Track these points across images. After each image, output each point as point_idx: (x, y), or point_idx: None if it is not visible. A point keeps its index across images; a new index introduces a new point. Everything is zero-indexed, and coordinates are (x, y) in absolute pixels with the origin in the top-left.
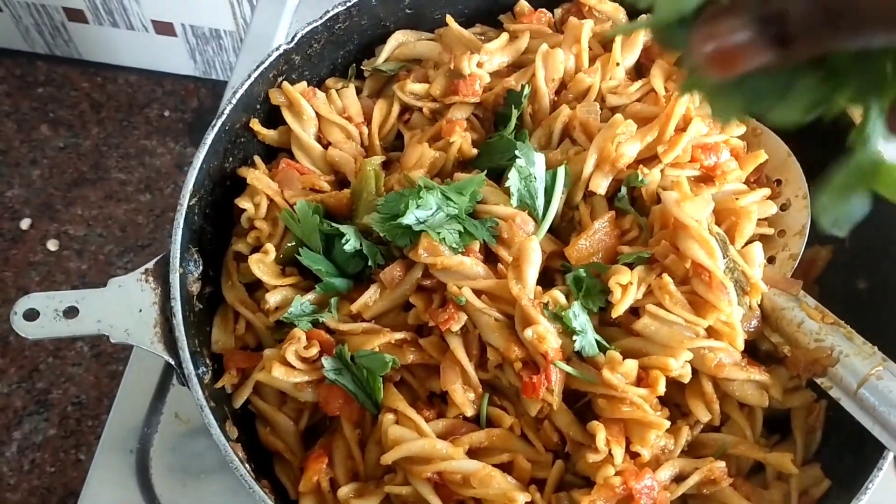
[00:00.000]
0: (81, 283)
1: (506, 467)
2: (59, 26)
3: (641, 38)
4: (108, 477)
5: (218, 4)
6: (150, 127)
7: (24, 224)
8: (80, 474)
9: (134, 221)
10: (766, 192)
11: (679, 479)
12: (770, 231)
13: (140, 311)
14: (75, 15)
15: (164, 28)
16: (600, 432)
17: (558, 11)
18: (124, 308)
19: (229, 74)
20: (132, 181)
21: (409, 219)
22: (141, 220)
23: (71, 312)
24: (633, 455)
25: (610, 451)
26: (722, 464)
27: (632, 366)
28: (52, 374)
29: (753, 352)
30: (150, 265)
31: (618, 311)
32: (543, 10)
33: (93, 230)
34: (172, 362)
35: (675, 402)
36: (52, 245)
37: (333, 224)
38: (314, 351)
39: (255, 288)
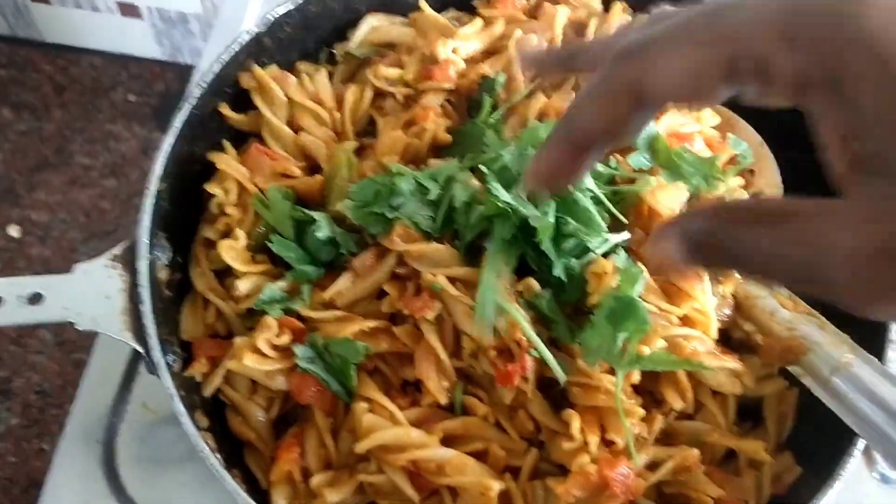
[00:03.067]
0: (44, 270)
1: (480, 456)
2: (20, 7)
3: (616, 25)
4: (72, 468)
5: None
6: (115, 111)
7: None
8: (43, 464)
9: (98, 207)
10: (740, 181)
11: (653, 466)
12: None
13: (107, 297)
14: None
15: (129, 10)
16: (575, 421)
17: None
18: (91, 294)
19: (197, 59)
20: (97, 166)
21: (381, 206)
22: (106, 205)
23: (35, 299)
24: (608, 443)
25: (585, 439)
26: (696, 451)
27: None
28: (14, 362)
29: (726, 340)
30: (117, 250)
31: (593, 299)
32: None
33: (56, 216)
34: (141, 350)
35: (649, 389)
36: (13, 231)
37: (305, 211)
38: (286, 339)
39: (226, 275)
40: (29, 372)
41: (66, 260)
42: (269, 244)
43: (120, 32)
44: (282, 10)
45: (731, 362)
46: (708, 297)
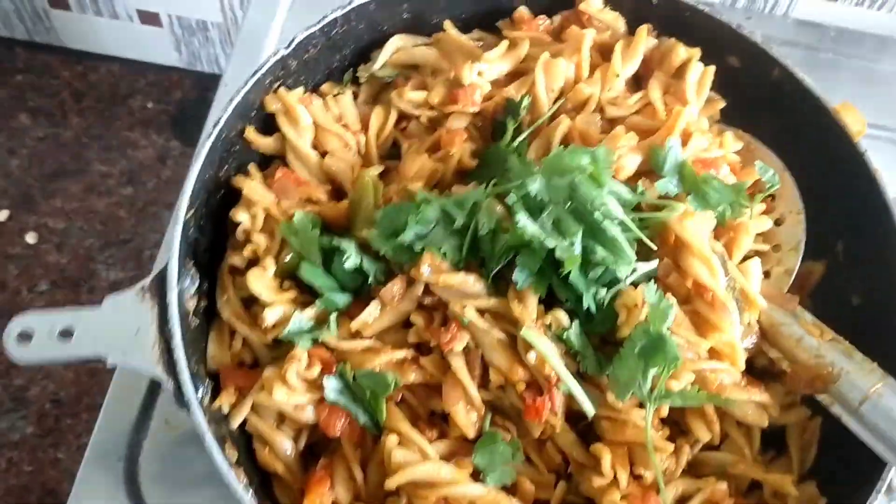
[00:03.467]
0: (60, 277)
1: (509, 489)
2: (40, 12)
3: (641, 48)
4: (95, 486)
5: None
6: (132, 118)
7: (2, 216)
8: (58, 473)
9: (115, 215)
10: (762, 207)
11: (682, 500)
12: (765, 247)
13: (137, 330)
14: (58, 2)
15: (149, 18)
16: (606, 455)
17: (557, 18)
18: (121, 328)
19: (215, 67)
20: (114, 174)
21: (408, 236)
22: (123, 213)
23: (66, 334)
24: (637, 476)
25: (615, 474)
26: (724, 484)
27: None
28: (30, 370)
29: (749, 367)
30: (146, 282)
31: (623, 332)
32: (543, 16)
33: (73, 223)
34: (172, 386)
35: (674, 419)
36: (30, 238)
37: (334, 239)
38: (316, 371)
39: (252, 302)
40: (44, 381)
41: (83, 268)
42: (298, 273)
43: (139, 40)
44: (308, 32)
45: (759, 394)
46: (735, 329)
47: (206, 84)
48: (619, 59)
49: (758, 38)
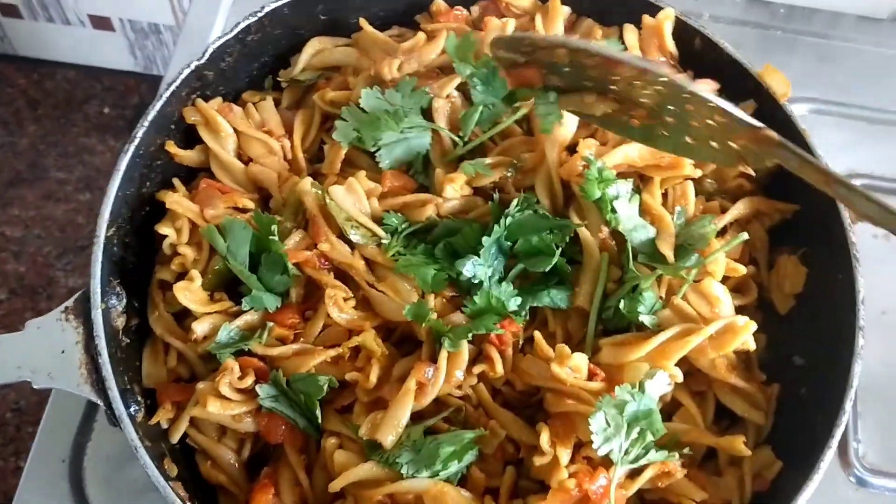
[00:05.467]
0: (19, 285)
1: (459, 480)
2: None
3: (559, 16)
4: (39, 488)
5: None
6: (89, 124)
7: None
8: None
9: (73, 222)
10: None
11: (633, 474)
12: None
13: (63, 351)
14: (9, 10)
15: (101, 23)
16: (544, 433)
17: (475, 8)
18: (45, 350)
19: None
20: (71, 180)
21: None
22: (81, 220)
23: None
24: (586, 458)
25: (556, 453)
26: (676, 457)
27: (581, 360)
28: None
29: None
30: (69, 302)
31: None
32: (460, 7)
33: (31, 231)
34: (102, 404)
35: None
36: None
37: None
38: (249, 381)
39: (185, 316)
40: (5, 389)
41: (42, 276)
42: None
43: (93, 45)
44: (221, 41)
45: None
46: None
47: None
48: (542, 28)
49: (705, 18)
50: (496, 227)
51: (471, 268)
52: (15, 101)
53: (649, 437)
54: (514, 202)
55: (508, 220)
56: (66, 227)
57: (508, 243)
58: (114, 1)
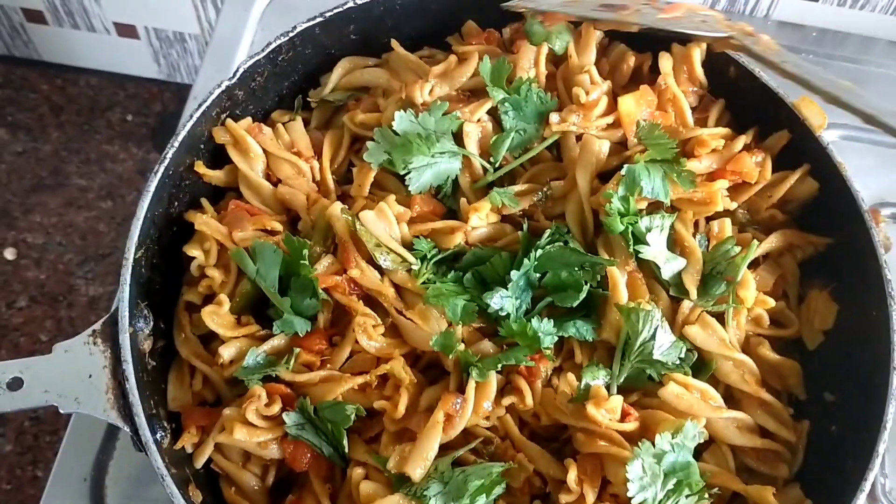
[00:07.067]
0: (40, 293)
1: None
2: (17, 27)
3: (592, 40)
4: None
5: (182, 7)
6: (111, 131)
7: None
8: (37, 492)
9: (95, 229)
10: None
11: None
12: None
13: (90, 376)
14: (34, 16)
15: (126, 31)
16: (571, 470)
17: (507, 31)
18: (73, 375)
19: (194, 78)
20: (93, 188)
21: None
22: (102, 227)
23: (15, 384)
24: (613, 495)
25: (582, 491)
26: (706, 497)
27: (616, 402)
28: None
29: None
30: (97, 326)
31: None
32: (491, 29)
33: (52, 238)
34: (128, 430)
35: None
36: (9, 254)
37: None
38: (276, 408)
39: (211, 338)
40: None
41: (62, 283)
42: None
43: (117, 52)
44: (252, 60)
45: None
46: None
47: (186, 95)
48: (574, 53)
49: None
50: (525, 260)
51: (498, 301)
52: (38, 107)
53: (686, 491)
54: (546, 234)
55: (538, 252)
56: (87, 235)
57: (537, 275)
58: (140, 9)
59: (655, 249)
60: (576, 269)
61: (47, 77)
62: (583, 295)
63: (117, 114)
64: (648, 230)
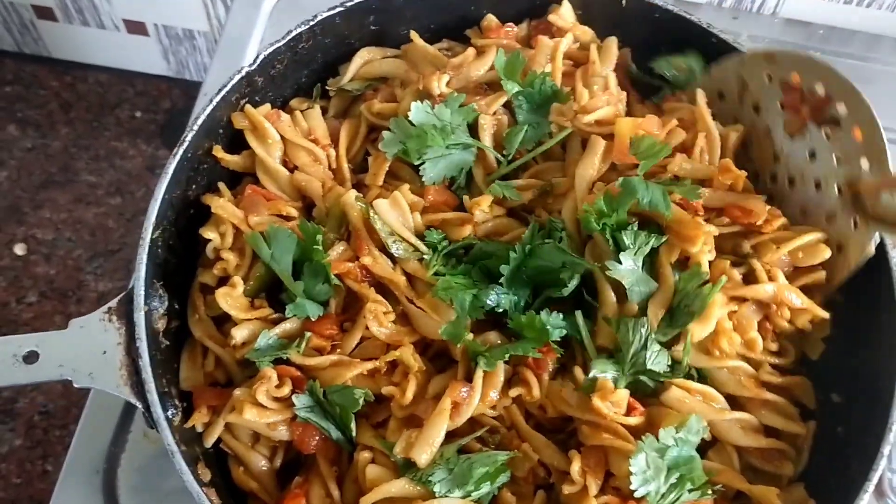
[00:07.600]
0: (49, 288)
1: (490, 501)
2: (27, 24)
3: (614, 52)
4: (72, 498)
5: (191, 5)
6: (120, 128)
7: None
8: (48, 486)
9: (104, 225)
10: None
11: None
12: None
13: (104, 352)
14: (44, 13)
15: (135, 27)
16: (575, 462)
17: (524, 26)
18: (87, 350)
19: (203, 75)
20: (102, 184)
21: None
22: (111, 223)
23: (30, 358)
24: (615, 488)
25: (585, 482)
26: (709, 493)
27: (622, 395)
28: None
29: None
30: (112, 303)
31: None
32: (511, 24)
33: (61, 234)
34: (140, 406)
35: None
36: (19, 249)
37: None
38: (286, 390)
39: (224, 320)
40: (33, 392)
41: (72, 279)
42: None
43: (126, 49)
44: (273, 48)
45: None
46: None
47: (195, 92)
48: (597, 58)
49: (743, 38)
50: (512, 254)
51: (494, 297)
52: (48, 104)
53: (688, 486)
54: (527, 231)
55: (527, 247)
56: (96, 231)
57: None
58: (149, 6)
59: (625, 268)
60: (558, 267)
61: (57, 74)
62: (568, 290)
63: (126, 110)
64: (624, 248)
